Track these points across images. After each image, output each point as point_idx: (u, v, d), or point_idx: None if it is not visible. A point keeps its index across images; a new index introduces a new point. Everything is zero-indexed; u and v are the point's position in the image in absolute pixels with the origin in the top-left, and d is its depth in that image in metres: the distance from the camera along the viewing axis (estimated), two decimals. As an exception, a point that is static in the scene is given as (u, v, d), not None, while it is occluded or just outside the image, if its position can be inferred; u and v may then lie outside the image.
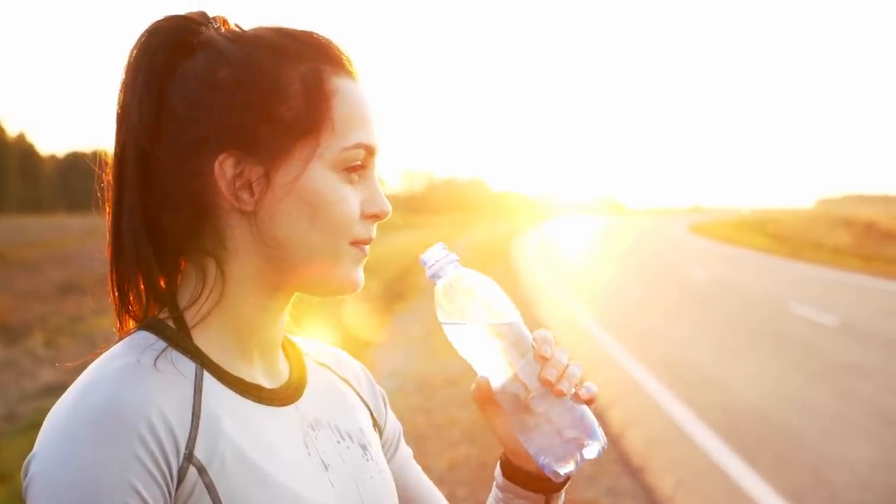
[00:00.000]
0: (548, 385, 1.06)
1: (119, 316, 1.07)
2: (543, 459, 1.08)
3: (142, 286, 1.04)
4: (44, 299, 14.99)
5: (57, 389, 7.79)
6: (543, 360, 1.07)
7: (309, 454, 1.06)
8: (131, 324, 1.06)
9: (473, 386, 1.12)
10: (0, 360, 9.74)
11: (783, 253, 31.82)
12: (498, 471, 1.19)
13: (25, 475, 0.93)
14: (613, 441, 6.86)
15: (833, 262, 27.22)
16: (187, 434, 0.95)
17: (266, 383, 1.08)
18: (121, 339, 1.04)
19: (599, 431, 1.08)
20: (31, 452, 0.93)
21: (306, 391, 1.13)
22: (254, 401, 1.04)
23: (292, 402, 1.10)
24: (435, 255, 1.10)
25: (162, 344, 1.00)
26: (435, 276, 1.09)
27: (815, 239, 37.16)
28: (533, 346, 1.08)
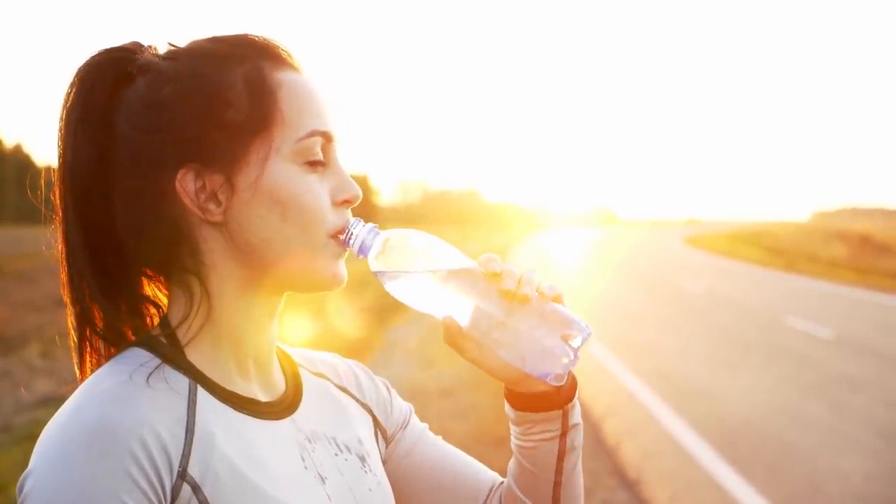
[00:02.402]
0: (510, 296, 1.05)
1: (80, 355, 1.06)
2: (541, 370, 1.07)
3: (100, 323, 1.04)
4: (40, 310, 14.94)
5: (53, 400, 7.76)
6: (496, 276, 1.06)
7: (305, 468, 1.06)
8: (88, 368, 1.06)
9: (443, 333, 1.09)
10: (-5, 370, 9.72)
11: (778, 265, 31.82)
12: (508, 409, 1.17)
13: (20, 492, 0.92)
14: (609, 454, 6.86)
15: (828, 274, 27.23)
16: (181, 451, 0.94)
17: (262, 396, 1.08)
18: (81, 374, 1.05)
19: (578, 319, 1.06)
20: (27, 470, 0.93)
21: (302, 403, 1.13)
22: (249, 415, 1.04)
23: (288, 415, 1.09)
24: (353, 230, 1.07)
25: (155, 361, 1.00)
26: (362, 251, 1.07)
27: (810, 252, 37.17)
28: (483, 272, 1.07)
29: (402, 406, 1.29)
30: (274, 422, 1.07)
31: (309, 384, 1.17)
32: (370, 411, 1.24)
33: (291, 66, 1.06)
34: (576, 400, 1.16)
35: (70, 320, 1.06)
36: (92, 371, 1.05)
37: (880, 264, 29.43)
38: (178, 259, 1.04)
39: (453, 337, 1.09)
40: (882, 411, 8.44)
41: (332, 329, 10.82)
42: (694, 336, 13.24)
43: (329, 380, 1.22)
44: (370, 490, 1.13)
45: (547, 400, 1.14)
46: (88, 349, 1.06)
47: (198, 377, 1.02)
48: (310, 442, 1.09)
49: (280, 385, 1.12)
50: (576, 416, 1.16)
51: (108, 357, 1.04)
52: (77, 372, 1.07)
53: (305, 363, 1.21)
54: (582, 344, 1.06)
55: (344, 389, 1.23)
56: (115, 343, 1.05)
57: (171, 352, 1.02)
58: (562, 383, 1.08)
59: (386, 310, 14.06)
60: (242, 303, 1.06)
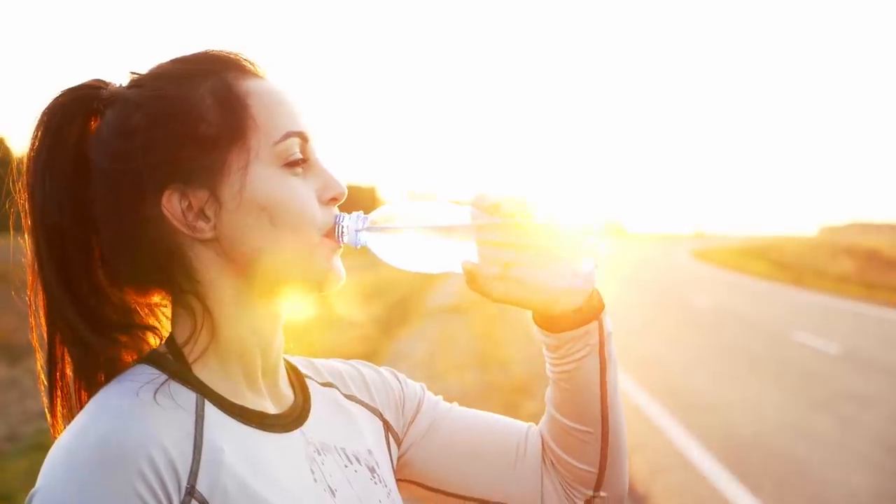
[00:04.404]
0: (514, 218, 1.05)
1: (52, 399, 1.05)
2: (570, 277, 1.07)
3: (77, 363, 1.03)
4: (47, 319, 14.94)
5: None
6: (494, 207, 1.06)
7: (315, 480, 1.06)
8: (59, 413, 1.05)
9: (465, 280, 1.07)
10: (2, 379, 9.73)
11: (786, 280, 31.75)
12: (543, 337, 1.15)
13: None
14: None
15: (836, 289, 27.14)
16: (189, 468, 0.94)
17: (272, 409, 1.08)
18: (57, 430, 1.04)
19: (585, 215, 1.06)
20: (34, 488, 0.92)
21: (311, 415, 1.13)
22: (257, 428, 1.04)
23: (297, 426, 1.09)
24: (343, 223, 1.07)
25: (162, 377, 1.00)
26: (358, 238, 1.07)
27: (818, 266, 37.06)
28: (480, 210, 1.07)
29: (415, 389, 1.29)
30: (283, 434, 1.07)
31: (317, 395, 1.17)
32: (381, 416, 1.24)
33: (256, 75, 1.07)
34: (606, 311, 1.16)
35: (40, 363, 1.05)
36: (63, 414, 1.05)
37: (888, 279, 29.30)
38: (174, 281, 1.04)
39: (476, 280, 1.07)
40: (890, 427, 8.40)
41: (337, 340, 10.81)
42: (701, 350, 13.21)
43: (337, 389, 1.22)
44: (380, 501, 1.12)
45: (582, 314, 1.13)
46: (59, 394, 1.05)
47: (205, 392, 1.02)
48: (319, 454, 1.09)
49: (289, 397, 1.12)
50: (609, 324, 1.16)
51: (80, 399, 1.04)
52: (48, 416, 1.06)
53: (312, 373, 1.21)
54: (596, 239, 1.07)
55: (352, 397, 1.22)
56: (89, 381, 1.04)
57: (177, 368, 1.02)
58: (593, 285, 1.08)
59: (392, 320, 14.06)
60: (244, 315, 1.06)
